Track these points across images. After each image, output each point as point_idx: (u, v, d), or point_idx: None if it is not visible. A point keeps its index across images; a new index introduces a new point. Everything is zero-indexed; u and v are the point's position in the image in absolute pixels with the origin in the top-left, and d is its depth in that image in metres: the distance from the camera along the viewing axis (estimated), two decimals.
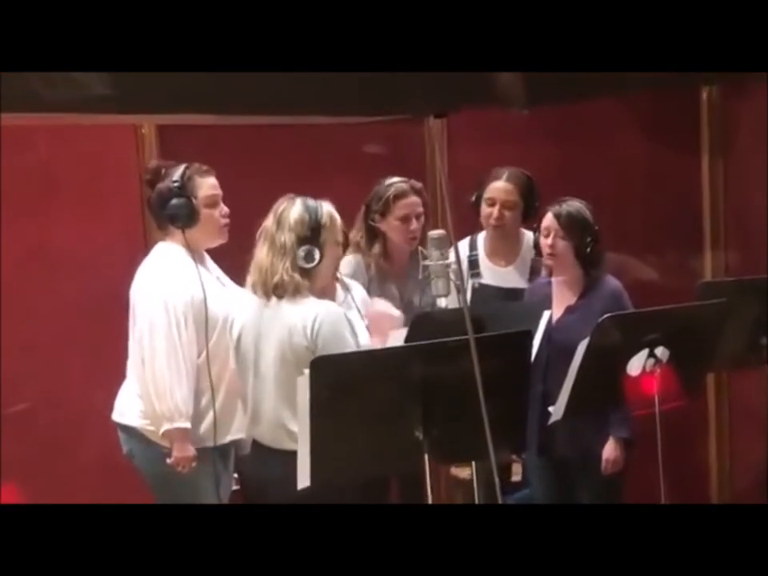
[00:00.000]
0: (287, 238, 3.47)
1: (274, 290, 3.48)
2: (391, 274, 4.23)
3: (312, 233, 3.48)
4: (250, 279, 3.58)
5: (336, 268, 3.71)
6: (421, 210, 4.18)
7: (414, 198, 4.17)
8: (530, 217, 4.30)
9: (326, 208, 3.55)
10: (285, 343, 3.45)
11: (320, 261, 3.49)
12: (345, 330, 3.47)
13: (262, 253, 3.52)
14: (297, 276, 3.46)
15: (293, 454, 3.01)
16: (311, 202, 3.53)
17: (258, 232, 3.56)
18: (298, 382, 3.04)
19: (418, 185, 4.21)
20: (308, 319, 3.43)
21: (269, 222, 3.54)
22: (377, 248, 4.19)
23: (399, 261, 4.25)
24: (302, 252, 3.46)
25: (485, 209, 4.29)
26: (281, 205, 3.54)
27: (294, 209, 3.50)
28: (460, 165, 4.71)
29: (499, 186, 4.28)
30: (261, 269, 3.51)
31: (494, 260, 4.40)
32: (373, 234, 4.20)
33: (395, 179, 4.20)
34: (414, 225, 4.16)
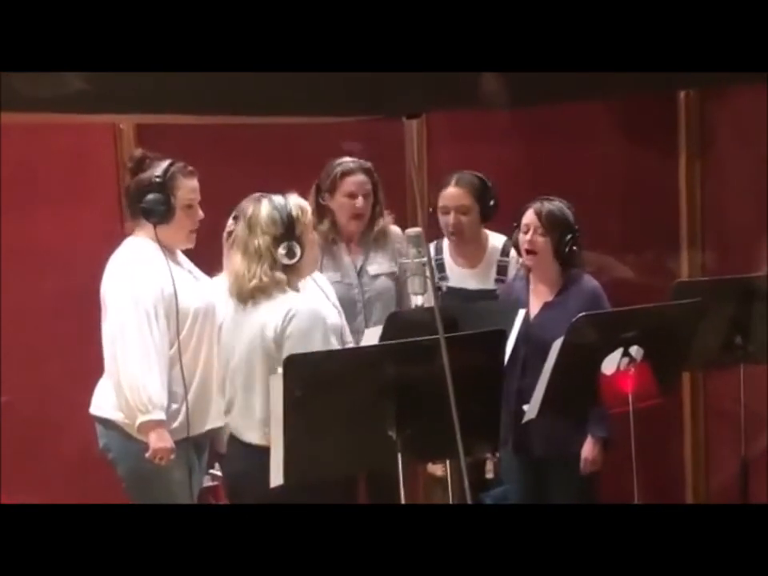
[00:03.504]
0: (261, 241, 3.43)
1: (251, 295, 3.45)
2: (341, 243, 4.26)
3: (287, 230, 3.45)
4: (226, 283, 3.57)
5: (316, 255, 3.72)
6: (368, 188, 4.20)
7: (362, 176, 4.19)
8: (488, 217, 4.33)
9: (294, 200, 3.52)
10: (256, 337, 3.44)
11: (302, 254, 3.47)
12: (316, 327, 3.41)
13: (236, 260, 3.49)
14: (278, 273, 3.44)
15: (265, 449, 3.02)
16: (277, 198, 3.49)
17: (230, 237, 3.54)
18: (270, 380, 3.05)
19: (367, 164, 4.23)
20: (281, 313, 3.40)
21: (239, 228, 3.51)
22: (325, 224, 4.21)
23: (348, 234, 4.28)
24: (282, 250, 3.43)
25: (441, 217, 4.33)
26: (248, 208, 3.50)
27: (262, 210, 3.46)
28: (440, 165, 4.73)
29: (450, 193, 4.31)
30: (237, 275, 3.49)
31: (460, 263, 4.43)
32: (322, 213, 4.21)
33: (344, 158, 4.23)
34: (360, 202, 4.18)
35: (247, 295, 3.46)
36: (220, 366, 3.62)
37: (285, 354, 3.30)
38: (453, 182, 4.31)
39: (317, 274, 3.81)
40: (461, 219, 4.29)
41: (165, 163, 3.75)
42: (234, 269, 3.50)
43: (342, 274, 4.17)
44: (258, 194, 3.54)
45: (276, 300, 3.44)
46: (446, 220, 4.31)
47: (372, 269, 4.27)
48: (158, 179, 3.71)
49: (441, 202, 4.32)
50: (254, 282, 3.43)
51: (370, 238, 4.29)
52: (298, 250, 3.45)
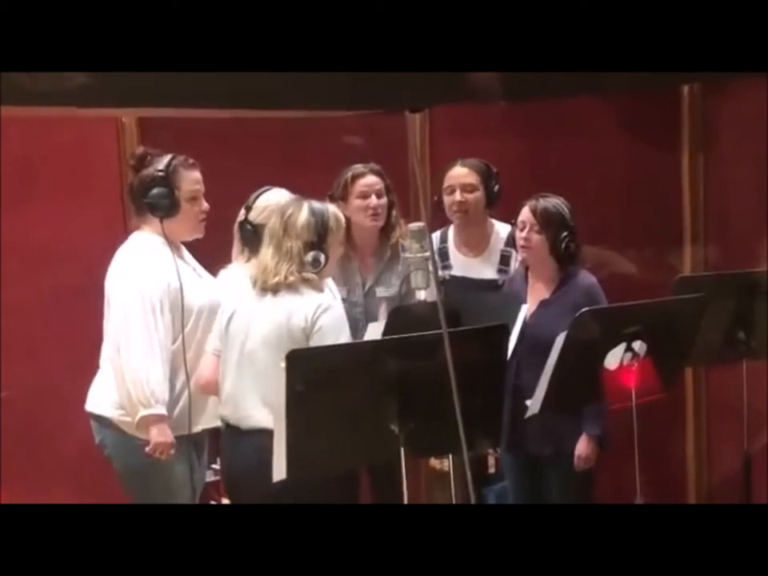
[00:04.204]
0: (294, 244, 3.51)
1: (274, 288, 3.52)
2: (355, 260, 4.24)
3: (319, 238, 3.53)
4: (251, 272, 3.62)
5: (334, 266, 3.75)
6: (380, 187, 4.18)
7: (373, 177, 4.19)
8: (493, 202, 4.34)
9: (332, 210, 3.60)
10: (282, 325, 3.48)
11: (325, 264, 3.54)
12: (344, 324, 3.53)
13: (267, 254, 3.55)
14: (306, 273, 3.51)
15: (267, 433, 3.04)
16: (317, 205, 3.57)
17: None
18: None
19: (377, 167, 4.23)
20: (311, 305, 3.47)
21: (274, 224, 3.55)
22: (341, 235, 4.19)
23: (363, 247, 4.26)
24: (309, 258, 3.51)
25: (446, 198, 4.34)
26: (287, 208, 3.56)
27: (301, 214, 3.53)
28: (443, 159, 4.72)
29: (456, 172, 4.34)
30: (265, 269, 3.55)
31: (464, 251, 4.43)
32: None
33: (354, 165, 4.23)
34: (374, 200, 4.17)
35: (270, 288, 3.53)
36: (226, 350, 3.61)
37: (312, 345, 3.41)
38: (458, 162, 4.35)
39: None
40: (466, 197, 4.31)
41: (166, 158, 3.76)
42: (264, 262, 3.56)
43: (348, 291, 4.16)
44: (298, 196, 3.60)
45: (303, 294, 3.51)
46: (452, 199, 4.32)
47: (380, 291, 4.24)
48: (160, 174, 3.72)
49: (446, 182, 4.34)
50: (279, 278, 3.51)
51: (385, 255, 4.26)
52: (322, 259, 3.53)
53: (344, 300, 3.98)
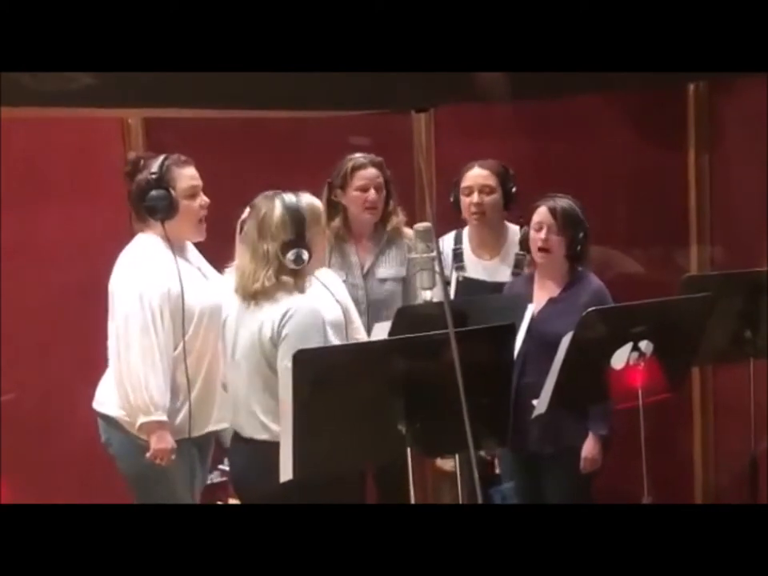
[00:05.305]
0: (270, 246, 3.41)
1: (254, 296, 3.44)
2: (350, 242, 4.27)
3: (297, 235, 3.42)
4: (233, 280, 3.56)
5: (324, 255, 3.73)
6: (380, 181, 4.21)
7: (373, 170, 4.21)
8: (510, 204, 4.33)
9: (306, 201, 3.48)
10: (255, 335, 3.43)
11: (310, 258, 3.46)
12: (314, 327, 3.40)
13: (244, 259, 3.48)
14: (284, 277, 3.42)
15: (265, 444, 3.05)
16: (290, 199, 3.45)
17: (238, 227, 3.55)
18: (279, 375, 3.05)
19: (378, 159, 4.25)
20: (279, 313, 3.39)
21: (249, 225, 3.48)
22: (337, 221, 4.22)
23: (359, 232, 4.29)
24: (291, 256, 3.41)
25: (464, 200, 4.32)
26: (261, 208, 3.46)
27: (275, 213, 3.42)
28: (448, 159, 4.72)
29: (474, 173, 4.32)
30: (243, 274, 3.47)
31: (479, 253, 4.42)
32: (334, 209, 4.22)
33: (355, 154, 4.24)
34: (373, 195, 4.20)
35: (250, 296, 3.46)
36: (224, 356, 3.62)
37: (281, 355, 3.35)
38: (477, 163, 4.34)
39: (323, 271, 3.79)
40: (484, 199, 4.30)
41: (159, 159, 3.75)
42: (242, 268, 3.49)
43: (346, 274, 4.16)
44: (272, 192, 3.50)
45: (279, 302, 3.42)
46: (470, 200, 4.30)
47: (380, 272, 4.26)
48: (154, 175, 3.71)
49: (464, 183, 4.33)
50: (257, 285, 3.42)
51: (383, 238, 4.28)
52: (305, 256, 3.43)
53: (343, 282, 3.97)
